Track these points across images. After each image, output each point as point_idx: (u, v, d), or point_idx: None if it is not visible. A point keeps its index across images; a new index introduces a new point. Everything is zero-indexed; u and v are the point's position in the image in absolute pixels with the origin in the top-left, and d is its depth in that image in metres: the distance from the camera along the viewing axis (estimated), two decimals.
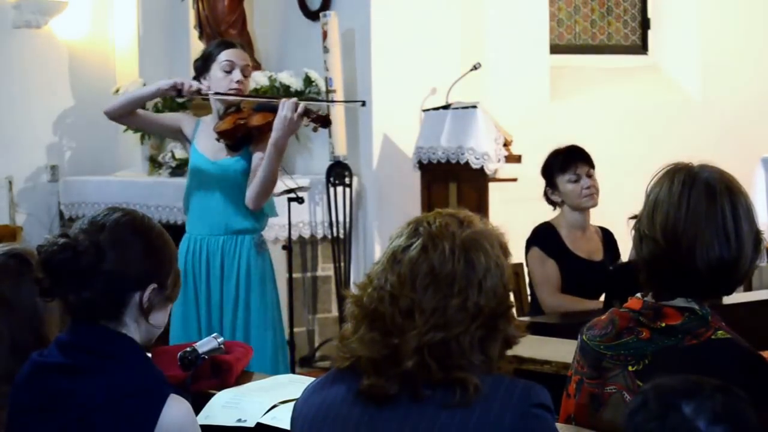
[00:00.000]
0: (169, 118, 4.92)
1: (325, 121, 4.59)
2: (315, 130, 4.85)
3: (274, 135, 4.31)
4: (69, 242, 2.22)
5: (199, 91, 4.45)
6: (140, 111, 4.60)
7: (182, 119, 4.72)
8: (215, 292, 4.45)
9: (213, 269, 4.45)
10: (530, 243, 4.95)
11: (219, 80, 4.45)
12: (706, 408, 1.74)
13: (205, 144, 4.52)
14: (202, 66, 4.52)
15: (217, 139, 4.45)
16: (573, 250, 4.91)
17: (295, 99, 4.38)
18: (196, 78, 4.55)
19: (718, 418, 1.74)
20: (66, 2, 8.40)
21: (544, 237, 4.92)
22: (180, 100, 4.43)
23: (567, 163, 4.91)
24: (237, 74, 4.45)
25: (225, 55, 4.45)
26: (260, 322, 4.44)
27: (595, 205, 4.95)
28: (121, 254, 2.23)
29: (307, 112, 4.34)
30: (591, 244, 4.99)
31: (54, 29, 8.44)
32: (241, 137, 4.42)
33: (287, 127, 4.31)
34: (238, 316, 4.44)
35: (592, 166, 4.95)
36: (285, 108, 4.31)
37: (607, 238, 5.04)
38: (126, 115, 4.52)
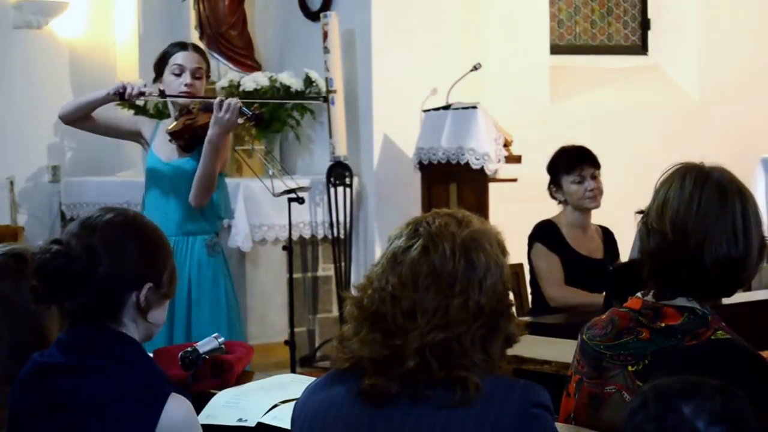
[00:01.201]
0: (128, 120, 4.94)
1: (258, 119, 4.60)
2: (251, 128, 4.80)
3: (210, 132, 4.36)
4: (61, 249, 2.21)
5: (142, 93, 4.50)
6: (98, 116, 4.58)
7: (141, 122, 4.77)
8: None
9: None
10: (533, 239, 4.97)
11: (170, 83, 4.52)
12: (706, 408, 1.75)
13: (161, 146, 4.56)
14: (157, 69, 4.59)
15: (170, 140, 4.50)
16: (574, 248, 4.93)
17: (230, 99, 4.41)
18: (155, 80, 4.61)
19: (717, 418, 1.74)
20: (66, 3, 8.41)
21: (546, 233, 4.95)
22: (118, 102, 4.47)
23: (572, 165, 4.94)
24: (186, 77, 4.50)
25: (174, 59, 4.52)
26: (213, 324, 4.38)
27: (597, 206, 4.98)
28: (115, 256, 2.21)
29: (240, 111, 4.38)
30: (592, 242, 5.01)
31: (55, 30, 8.45)
32: (190, 137, 4.46)
33: (222, 125, 4.35)
34: (191, 318, 4.43)
35: (597, 167, 4.97)
36: (221, 108, 4.35)
37: (607, 237, 5.07)
38: (81, 120, 4.54)
